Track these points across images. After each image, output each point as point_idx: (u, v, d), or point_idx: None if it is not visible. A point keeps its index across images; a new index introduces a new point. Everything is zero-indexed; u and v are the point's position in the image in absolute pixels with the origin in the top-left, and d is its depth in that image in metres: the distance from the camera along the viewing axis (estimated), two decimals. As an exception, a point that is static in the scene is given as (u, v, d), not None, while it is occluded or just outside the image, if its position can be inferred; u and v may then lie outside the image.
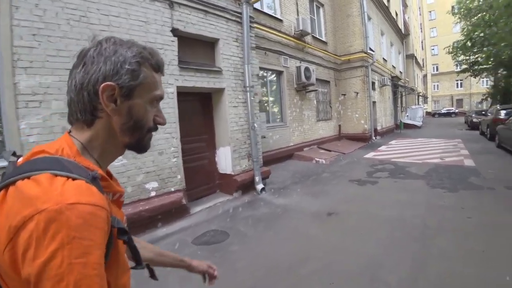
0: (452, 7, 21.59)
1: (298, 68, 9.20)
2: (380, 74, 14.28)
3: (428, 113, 40.58)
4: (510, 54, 14.35)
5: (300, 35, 9.67)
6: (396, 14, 21.47)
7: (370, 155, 9.21)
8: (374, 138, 12.24)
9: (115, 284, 0.50)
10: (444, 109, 39.02)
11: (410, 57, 27.59)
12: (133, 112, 0.57)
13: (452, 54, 22.22)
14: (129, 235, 0.52)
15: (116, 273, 0.50)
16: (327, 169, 7.46)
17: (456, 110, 37.11)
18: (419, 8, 44.56)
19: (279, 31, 8.86)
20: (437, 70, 44.95)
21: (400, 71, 21.04)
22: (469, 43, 20.42)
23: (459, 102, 43.01)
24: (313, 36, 10.78)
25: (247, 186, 5.84)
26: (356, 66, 12.15)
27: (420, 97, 33.35)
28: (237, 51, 5.78)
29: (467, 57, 21.47)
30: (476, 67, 21.38)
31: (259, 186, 5.76)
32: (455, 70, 32.88)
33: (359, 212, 4.28)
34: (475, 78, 24.39)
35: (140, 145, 0.62)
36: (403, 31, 22.59)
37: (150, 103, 0.59)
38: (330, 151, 9.88)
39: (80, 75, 0.53)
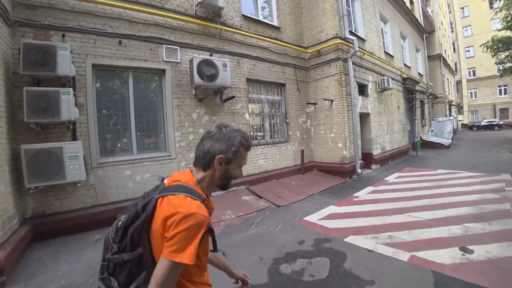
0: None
1: (190, 62, 5.32)
2: (379, 73, 9.81)
3: (464, 126, 33.86)
4: None
5: (212, 14, 5.87)
6: (412, 2, 16.90)
7: (324, 213, 4.85)
8: (359, 170, 7.71)
9: (203, 256, 1.01)
10: (485, 120, 32.01)
11: (437, 57, 22.31)
12: (228, 171, 1.04)
13: (492, 51, 16.82)
14: (213, 233, 0.99)
15: (204, 250, 1.01)
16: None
17: (501, 122, 30.17)
18: (448, 4, 38.73)
19: (161, 8, 5.20)
20: (473, 75, 37.95)
21: (419, 73, 16.15)
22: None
23: (504, 112, 35.46)
24: (245, 16, 6.88)
25: None
26: (328, 60, 7.93)
27: (452, 106, 27.34)
28: None
29: (513, 52, 16.09)
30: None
31: None
32: (497, 73, 26.55)
33: None
34: (525, 79, 18.70)
35: (225, 187, 1.09)
36: (423, 25, 17.78)
37: (237, 168, 1.07)
38: (260, 197, 5.68)
39: (208, 145, 1.01)
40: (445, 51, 26.89)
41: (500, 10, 15.59)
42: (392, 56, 11.46)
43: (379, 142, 9.53)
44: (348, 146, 7.61)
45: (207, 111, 5.82)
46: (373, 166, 8.97)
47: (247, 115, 6.67)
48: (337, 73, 7.72)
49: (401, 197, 5.60)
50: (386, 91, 10.29)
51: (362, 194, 6.05)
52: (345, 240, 3.66)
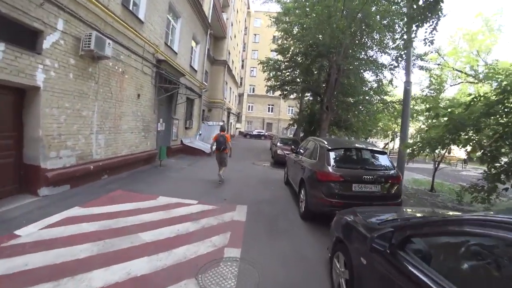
0: (274, 36, 19.29)
1: None
2: (91, 26, 5.72)
3: (241, 133, 39.03)
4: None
5: None
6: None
7: None
8: None
9: None
10: (256, 130, 38.67)
11: (222, 63, 22.55)
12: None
13: (265, 68, 18.56)
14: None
15: None
16: None
17: (266, 133, 37.29)
18: (246, 27, 43.98)
19: None
20: (253, 91, 45.49)
21: (192, 67, 14.17)
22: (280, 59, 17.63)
23: (269, 125, 45.08)
24: None
25: None
26: None
27: (231, 114, 29.71)
28: None
29: (279, 74, 18.91)
30: (286, 87, 19.05)
31: None
32: (268, 94, 32.61)
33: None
34: (284, 98, 22.55)
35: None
36: (210, 21, 16.35)
37: None
38: None
39: (225, 126, 9.06)
40: (232, 62, 28.65)
41: (277, 40, 17.85)
42: (142, 22, 7.94)
43: (71, 145, 5.37)
44: None
45: None
46: (44, 191, 4.67)
47: None
48: None
49: None
50: (108, 63, 6.41)
51: None
52: None
